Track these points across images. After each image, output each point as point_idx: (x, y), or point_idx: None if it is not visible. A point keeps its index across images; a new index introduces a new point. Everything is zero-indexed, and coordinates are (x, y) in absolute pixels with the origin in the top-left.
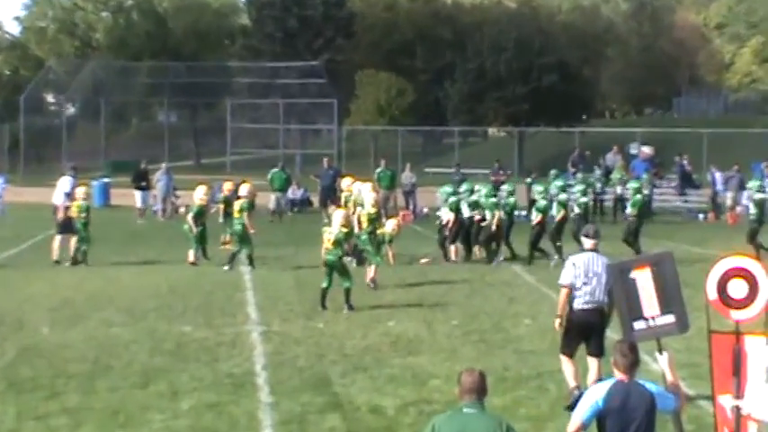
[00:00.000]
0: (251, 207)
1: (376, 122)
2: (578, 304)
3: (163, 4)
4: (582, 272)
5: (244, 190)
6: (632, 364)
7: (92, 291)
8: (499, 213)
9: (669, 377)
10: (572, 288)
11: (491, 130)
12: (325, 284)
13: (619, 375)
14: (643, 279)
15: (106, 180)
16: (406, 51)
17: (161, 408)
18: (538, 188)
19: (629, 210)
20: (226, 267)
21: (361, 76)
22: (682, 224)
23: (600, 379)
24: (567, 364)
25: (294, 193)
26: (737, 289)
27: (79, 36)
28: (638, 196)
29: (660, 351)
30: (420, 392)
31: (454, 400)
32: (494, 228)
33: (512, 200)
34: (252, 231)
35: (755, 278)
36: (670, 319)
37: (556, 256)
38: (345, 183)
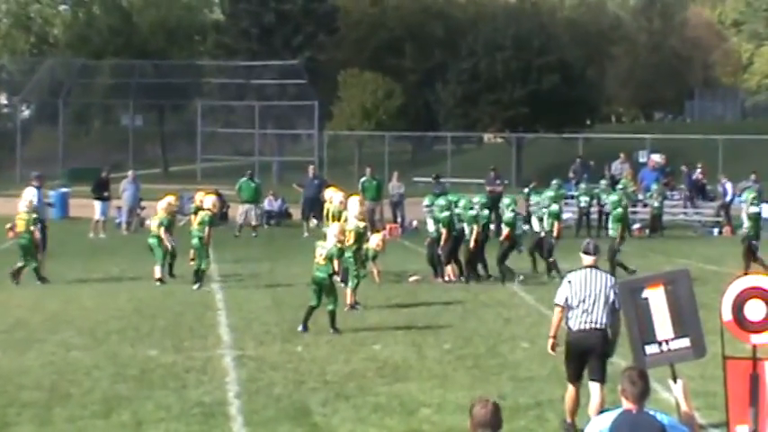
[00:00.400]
0: (213, 221)
1: (361, 127)
2: (575, 325)
3: None
4: (578, 290)
5: (208, 202)
6: (642, 393)
7: (49, 311)
8: (479, 228)
9: (683, 407)
10: (568, 308)
11: (486, 136)
12: (313, 303)
13: (627, 405)
14: (656, 299)
15: (65, 189)
16: (394, 50)
17: None
18: (505, 200)
19: (610, 225)
20: (195, 286)
21: (345, 76)
22: (694, 239)
23: (604, 409)
24: (569, 397)
25: (271, 204)
26: (755, 310)
27: (35, 32)
28: (619, 210)
29: (674, 378)
30: (408, 423)
31: (446, 430)
32: (471, 244)
33: (485, 212)
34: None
35: None
36: (685, 342)
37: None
38: (328, 194)
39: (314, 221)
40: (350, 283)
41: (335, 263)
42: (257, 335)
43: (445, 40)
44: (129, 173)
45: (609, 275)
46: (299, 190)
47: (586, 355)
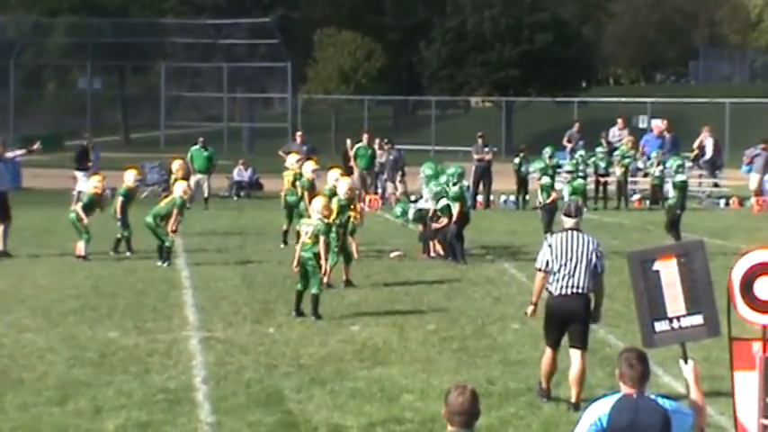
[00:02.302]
0: (184, 204)
1: (338, 90)
2: (556, 289)
3: None
4: (559, 253)
5: (179, 188)
6: (642, 376)
7: (0, 289)
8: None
9: (693, 391)
10: (548, 272)
11: (474, 101)
12: (300, 287)
13: (625, 389)
14: (668, 272)
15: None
16: (374, 6)
17: (81, 428)
18: (450, 170)
19: (540, 197)
20: (165, 263)
21: (321, 35)
22: (699, 211)
23: (603, 394)
24: (545, 361)
25: (240, 174)
26: (766, 288)
27: None
28: (579, 181)
29: (686, 359)
30: (389, 410)
31: (429, 419)
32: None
33: (455, 189)
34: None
35: None
36: (698, 320)
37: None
38: (290, 159)
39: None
40: (330, 260)
41: (322, 240)
42: (226, 315)
43: None
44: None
45: (591, 238)
46: (286, 157)
47: (567, 321)
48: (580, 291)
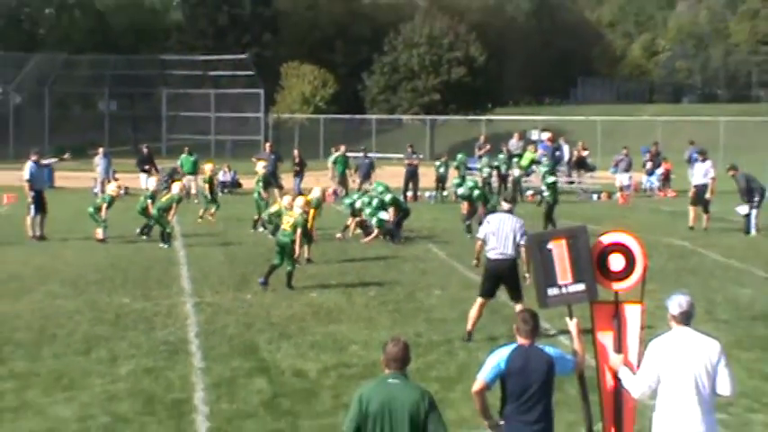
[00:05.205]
0: (180, 199)
1: (300, 111)
2: (491, 255)
3: (103, 0)
4: (495, 228)
5: (176, 188)
6: (532, 330)
7: (38, 265)
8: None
9: (575, 341)
10: (484, 241)
11: (405, 118)
12: (276, 262)
13: (520, 340)
14: (559, 250)
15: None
16: (327, 46)
17: (101, 373)
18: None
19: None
20: (162, 245)
21: (287, 68)
22: (577, 203)
23: (501, 344)
24: (475, 307)
25: (225, 175)
26: (616, 262)
27: (25, 30)
28: (476, 192)
29: (571, 316)
30: (340, 357)
31: (371, 363)
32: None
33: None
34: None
35: (632, 252)
36: (581, 287)
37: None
38: (259, 166)
39: (265, 194)
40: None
41: (299, 232)
42: (213, 285)
43: (370, 38)
44: (100, 150)
45: (517, 219)
46: (256, 162)
47: (500, 278)
48: (508, 256)
